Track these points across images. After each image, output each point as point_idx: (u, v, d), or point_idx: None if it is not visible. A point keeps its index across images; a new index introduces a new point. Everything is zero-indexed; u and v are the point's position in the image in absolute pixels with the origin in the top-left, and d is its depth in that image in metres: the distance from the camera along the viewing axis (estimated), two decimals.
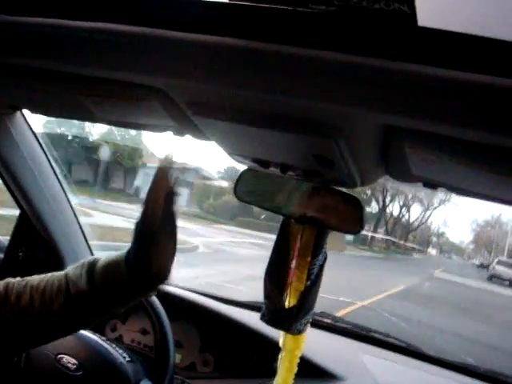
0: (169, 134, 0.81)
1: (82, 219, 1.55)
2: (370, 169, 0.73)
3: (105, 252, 0.87)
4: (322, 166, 0.70)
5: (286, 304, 0.93)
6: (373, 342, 1.53)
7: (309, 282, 0.91)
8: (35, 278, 0.82)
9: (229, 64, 0.51)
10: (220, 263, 8.49)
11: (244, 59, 0.50)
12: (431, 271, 17.96)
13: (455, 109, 0.44)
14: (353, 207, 0.86)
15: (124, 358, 1.19)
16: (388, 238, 24.09)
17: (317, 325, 1.55)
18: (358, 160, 0.67)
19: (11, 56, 0.66)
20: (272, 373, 0.99)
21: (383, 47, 0.43)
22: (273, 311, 0.94)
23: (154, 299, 1.24)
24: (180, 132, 0.80)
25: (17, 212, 1.41)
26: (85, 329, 1.06)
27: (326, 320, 1.61)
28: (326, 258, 0.94)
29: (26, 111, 1.22)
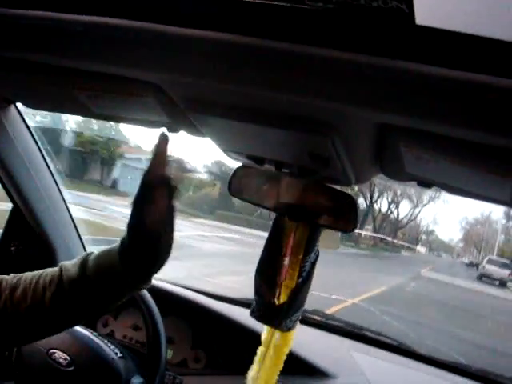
0: (163, 129, 0.81)
1: None
2: (364, 167, 0.73)
3: (97, 247, 0.87)
4: (317, 164, 0.70)
5: (277, 301, 0.93)
6: (364, 340, 1.54)
7: (300, 280, 0.92)
8: (30, 274, 0.82)
9: (225, 60, 0.51)
10: (179, 259, 8.29)
11: (240, 55, 0.50)
12: (418, 270, 17.36)
13: (451, 107, 0.45)
14: (347, 205, 0.86)
15: (116, 353, 1.18)
16: (376, 235, 23.91)
17: (308, 322, 1.55)
18: (353, 158, 0.67)
19: (6, 49, 0.65)
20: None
21: (380, 45, 0.43)
22: (263, 307, 0.94)
23: (147, 294, 1.24)
24: (175, 128, 0.80)
25: (9, 206, 1.40)
26: (78, 324, 1.06)
27: (317, 317, 1.61)
28: (317, 256, 0.94)
29: (19, 105, 1.22)
